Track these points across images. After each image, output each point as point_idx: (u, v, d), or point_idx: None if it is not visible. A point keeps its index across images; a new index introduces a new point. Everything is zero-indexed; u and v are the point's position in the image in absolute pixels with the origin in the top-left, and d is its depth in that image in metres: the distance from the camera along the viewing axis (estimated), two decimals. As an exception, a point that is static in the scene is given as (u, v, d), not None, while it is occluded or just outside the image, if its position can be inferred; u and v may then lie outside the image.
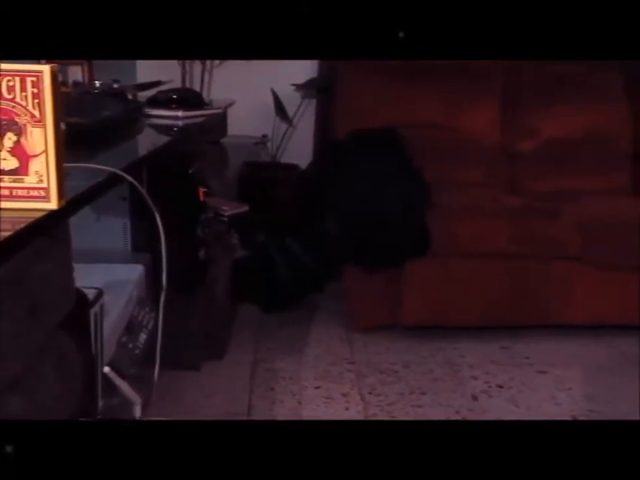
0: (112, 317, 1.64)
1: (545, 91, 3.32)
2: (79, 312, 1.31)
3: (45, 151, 1.04)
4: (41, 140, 1.03)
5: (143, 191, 1.42)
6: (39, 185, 1.05)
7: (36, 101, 1.02)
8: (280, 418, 2.20)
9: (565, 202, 2.92)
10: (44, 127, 1.03)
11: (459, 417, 2.25)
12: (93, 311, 1.41)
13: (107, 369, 1.40)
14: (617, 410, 2.33)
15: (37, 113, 1.02)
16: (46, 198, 1.05)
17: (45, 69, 1.01)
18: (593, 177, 3.22)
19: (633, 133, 3.33)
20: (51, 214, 1.05)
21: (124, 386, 1.42)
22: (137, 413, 1.42)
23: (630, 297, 2.82)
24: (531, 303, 2.82)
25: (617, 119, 3.32)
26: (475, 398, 2.39)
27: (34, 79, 1.01)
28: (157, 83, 2.50)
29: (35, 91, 1.01)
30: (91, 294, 1.43)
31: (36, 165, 1.04)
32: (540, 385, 2.50)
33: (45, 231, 1.07)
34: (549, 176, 3.21)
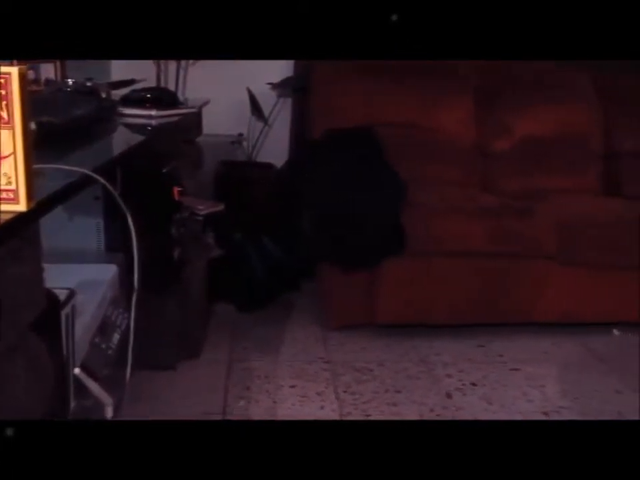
0: (85, 317, 1.64)
1: (520, 91, 3.35)
2: (49, 313, 1.30)
3: (14, 152, 1.03)
4: (9, 142, 1.03)
5: (115, 191, 1.41)
6: (7, 187, 1.04)
7: (4, 102, 1.01)
8: (255, 417, 2.20)
9: (540, 201, 2.95)
10: (12, 128, 1.02)
11: (433, 415, 2.27)
12: (65, 311, 1.41)
13: (77, 371, 1.39)
14: (587, 407, 2.36)
15: (4, 114, 1.02)
16: (15, 200, 1.04)
17: (13, 70, 1.01)
18: (568, 176, 3.26)
19: (605, 133, 3.37)
20: (20, 216, 1.05)
21: (95, 387, 1.41)
22: (109, 413, 1.42)
23: (603, 295, 2.87)
24: (506, 301, 2.84)
25: (590, 119, 3.35)
26: (449, 396, 2.41)
27: (2, 80, 1.00)
28: (130, 82, 2.48)
29: (3, 92, 1.01)
30: (62, 295, 1.42)
31: (4, 167, 1.04)
32: (513, 382, 2.52)
33: (14, 233, 1.06)
34: (524, 175, 3.24)
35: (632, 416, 2.25)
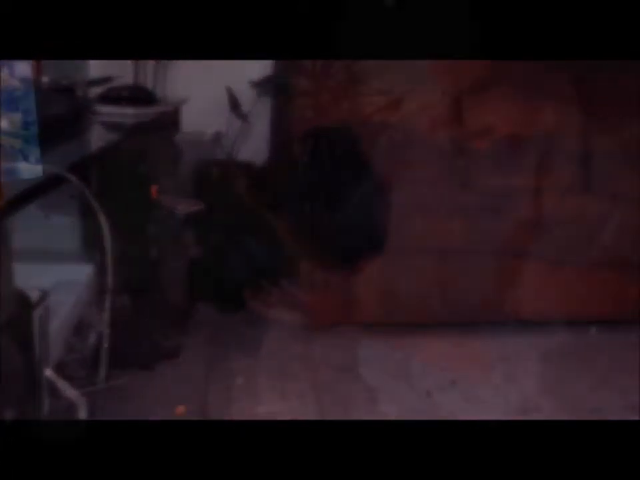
0: (60, 318, 1.62)
1: (499, 90, 3.35)
2: (22, 314, 1.29)
3: (-20, 151, 1.01)
4: (-25, 140, 1.01)
5: (86, 189, 1.40)
6: (-26, 185, 1.03)
7: (-31, 100, 0.99)
8: (235, 417, 2.19)
9: (517, 199, 2.96)
10: (-22, 126, 1.00)
11: (413, 414, 2.27)
12: (37, 312, 1.39)
13: (48, 372, 1.37)
14: (566, 405, 2.37)
15: (-30, 112, 1.00)
16: (-19, 199, 1.03)
17: (-21, 67, 0.99)
18: (545, 175, 3.26)
19: (582, 132, 3.38)
20: (-12, 215, 1.03)
21: (67, 388, 1.40)
22: (82, 414, 1.40)
23: (580, 293, 2.88)
24: (485, 299, 2.85)
25: (569, 118, 3.36)
26: (429, 394, 2.41)
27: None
28: (107, 79, 2.46)
29: (-32, 90, 0.99)
30: (35, 296, 1.40)
31: (-29, 166, 1.02)
32: (492, 380, 2.53)
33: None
34: (502, 173, 3.24)
35: (609, 414, 2.26)
